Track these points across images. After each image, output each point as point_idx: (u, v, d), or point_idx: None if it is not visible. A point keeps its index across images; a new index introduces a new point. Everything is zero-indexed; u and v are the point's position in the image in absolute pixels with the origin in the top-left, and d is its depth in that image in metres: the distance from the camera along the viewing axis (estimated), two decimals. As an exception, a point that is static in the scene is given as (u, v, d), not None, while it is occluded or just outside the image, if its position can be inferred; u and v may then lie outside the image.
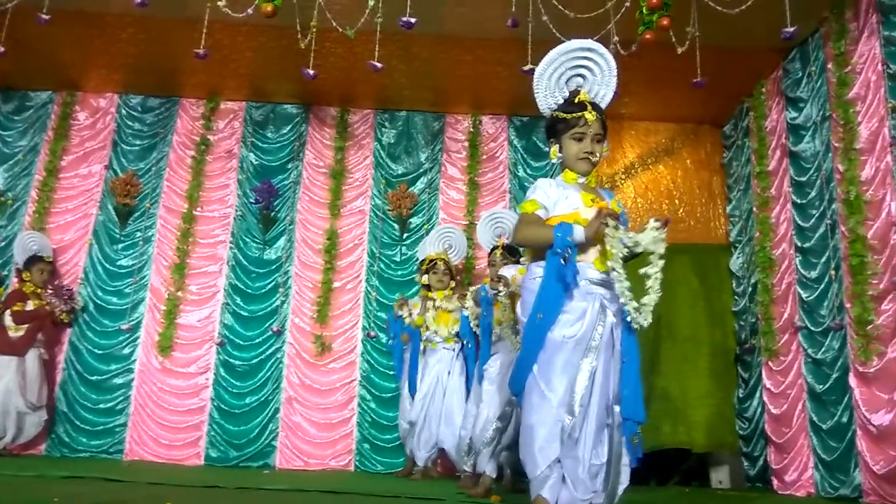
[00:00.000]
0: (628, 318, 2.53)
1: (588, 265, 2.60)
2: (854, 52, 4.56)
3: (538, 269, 2.64)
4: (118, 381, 5.74)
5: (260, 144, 6.43)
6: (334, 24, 4.46)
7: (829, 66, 4.81)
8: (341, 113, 6.49)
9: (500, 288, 4.02)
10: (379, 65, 4.45)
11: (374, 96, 6.40)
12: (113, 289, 5.94)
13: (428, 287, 5.33)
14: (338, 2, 4.59)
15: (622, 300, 2.53)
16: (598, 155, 2.69)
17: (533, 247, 2.76)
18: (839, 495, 4.39)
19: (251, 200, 6.17)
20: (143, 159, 6.27)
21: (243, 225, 6.21)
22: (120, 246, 6.06)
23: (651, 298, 2.53)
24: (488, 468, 3.93)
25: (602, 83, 2.79)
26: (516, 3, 4.39)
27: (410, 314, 5.30)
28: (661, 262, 2.55)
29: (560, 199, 2.66)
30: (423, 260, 5.49)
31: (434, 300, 4.99)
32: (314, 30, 4.54)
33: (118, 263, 6.01)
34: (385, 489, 3.96)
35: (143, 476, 4.00)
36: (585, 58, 2.77)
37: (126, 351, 5.82)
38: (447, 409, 4.72)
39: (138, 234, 6.10)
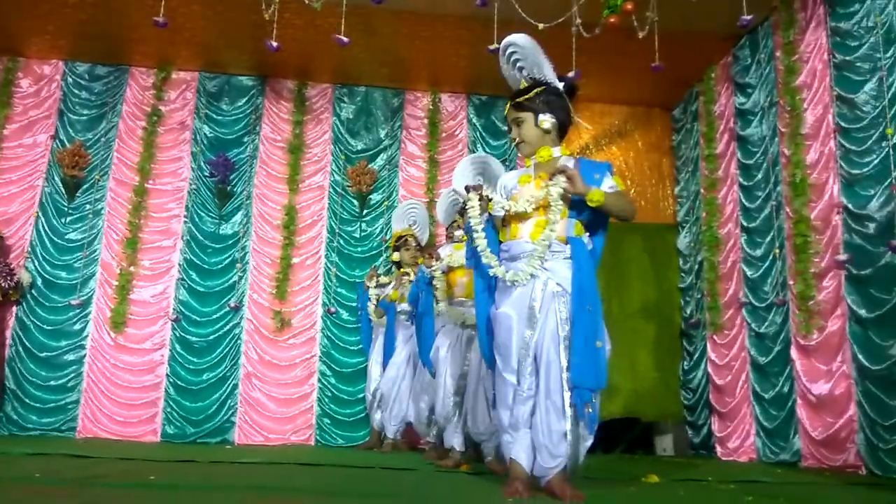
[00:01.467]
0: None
1: (525, 240, 2.70)
2: (802, 42, 4.79)
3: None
4: (69, 357, 5.60)
5: (214, 116, 6.29)
6: (301, -5, 4.39)
7: (778, 54, 5.03)
8: (299, 86, 6.41)
9: (435, 264, 4.07)
10: (345, 39, 4.42)
11: (333, 70, 6.34)
12: (62, 263, 5.75)
13: (399, 264, 5.36)
14: (301, -26, 4.52)
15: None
16: (522, 135, 2.85)
17: None
18: (779, 460, 4.70)
19: (206, 174, 6.05)
20: (92, 130, 6.05)
21: (198, 199, 6.09)
22: (68, 219, 5.86)
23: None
24: (455, 442, 3.94)
25: (533, 62, 2.93)
26: (481, -19, 4.42)
27: (380, 286, 5.37)
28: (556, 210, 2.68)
29: (510, 192, 2.88)
30: (392, 237, 5.53)
31: (408, 275, 5.02)
32: (277, 1, 4.48)
33: (67, 237, 5.82)
34: (358, 460, 4.03)
35: (108, 452, 3.94)
36: (512, 52, 2.97)
37: (77, 327, 5.66)
38: (419, 384, 4.79)
39: (87, 206, 5.91)
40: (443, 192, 5.33)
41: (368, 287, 5.48)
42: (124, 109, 6.14)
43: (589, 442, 2.63)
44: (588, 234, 2.79)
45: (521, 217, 2.75)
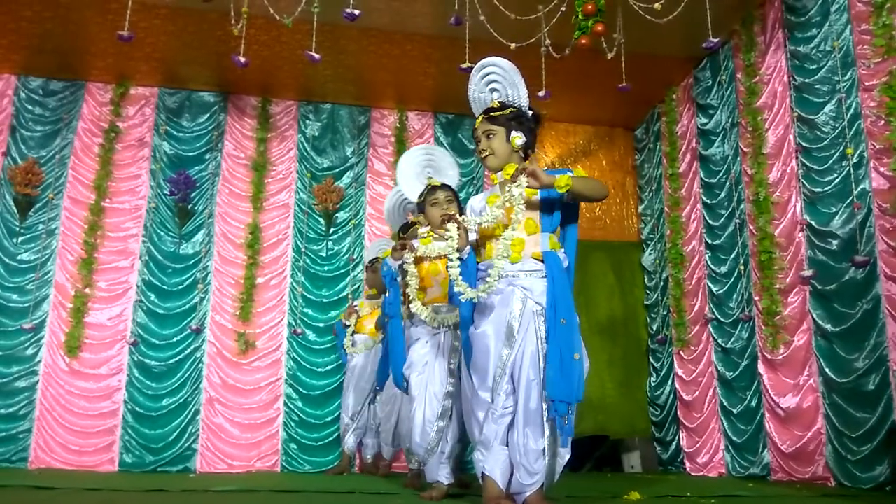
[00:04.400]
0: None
1: (501, 259, 2.67)
2: (762, 64, 4.94)
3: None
4: (21, 384, 5.33)
5: (175, 133, 6.13)
6: (271, 11, 4.34)
7: (739, 75, 5.18)
8: (262, 103, 6.30)
9: (407, 255, 3.31)
10: (317, 56, 4.36)
11: (298, 87, 6.26)
12: (13, 285, 5.50)
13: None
14: (268, -11, 4.46)
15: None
16: (491, 148, 2.84)
17: None
18: (749, 474, 4.76)
19: (166, 192, 5.88)
20: (46, 146, 5.82)
21: (157, 217, 5.91)
22: (20, 239, 5.61)
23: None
24: (441, 476, 3.30)
25: (509, 84, 2.95)
26: (452, 2, 4.43)
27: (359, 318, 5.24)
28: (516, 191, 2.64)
29: (476, 213, 2.85)
30: (371, 260, 5.38)
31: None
32: (246, 16, 4.40)
33: (18, 258, 5.57)
34: (336, 485, 3.90)
35: (67, 482, 3.74)
36: (491, 73, 2.98)
37: (29, 352, 5.40)
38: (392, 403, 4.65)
39: (41, 226, 5.67)
40: (389, 193, 4.80)
41: (347, 325, 5.31)
42: (80, 126, 5.94)
43: (565, 459, 2.63)
44: (562, 238, 2.80)
45: (494, 236, 2.73)
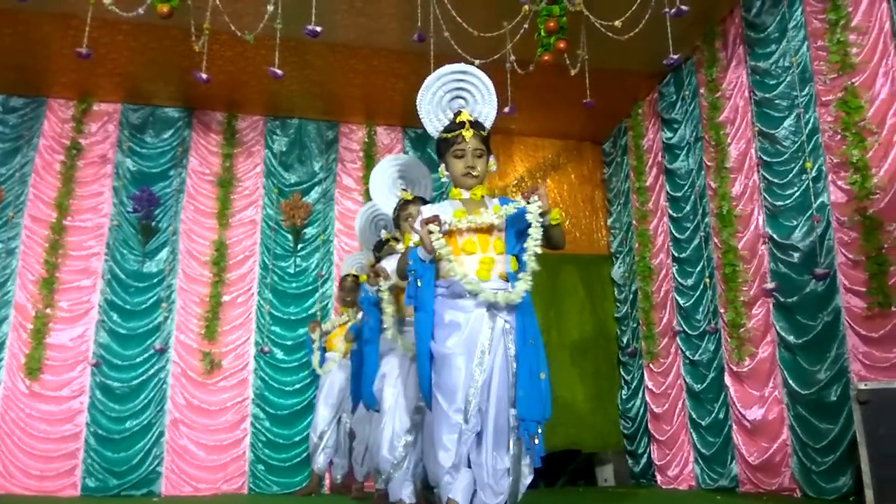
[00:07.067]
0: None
1: (470, 276, 2.65)
2: (724, 79, 5.00)
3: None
4: (-22, 408, 5.19)
5: (138, 149, 6.04)
6: (233, 27, 4.29)
7: (702, 91, 5.24)
8: (228, 118, 6.24)
9: (381, 283, 3.41)
10: (280, 72, 4.32)
11: (264, 103, 6.21)
12: (-30, 306, 5.36)
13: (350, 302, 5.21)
14: (230, 5, 4.42)
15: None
16: (479, 169, 2.80)
17: (403, 275, 2.92)
18: (718, 486, 4.77)
19: (129, 209, 5.77)
20: (5, 164, 5.69)
21: (120, 235, 5.81)
22: (-23, 259, 5.48)
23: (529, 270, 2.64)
24: (404, 494, 3.30)
25: (483, 102, 2.94)
26: (416, 18, 4.43)
27: (326, 334, 5.18)
28: (537, 234, 2.64)
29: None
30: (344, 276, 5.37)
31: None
32: (207, 32, 4.36)
33: (-24, 278, 5.44)
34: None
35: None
36: (462, 80, 2.93)
37: (-13, 375, 5.26)
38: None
39: (0, 245, 5.53)
40: (359, 211, 4.86)
41: (314, 340, 5.26)
42: (41, 143, 5.82)
43: (529, 479, 2.62)
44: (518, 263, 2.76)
45: (466, 250, 2.70)
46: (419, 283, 2.70)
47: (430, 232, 2.62)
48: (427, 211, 2.81)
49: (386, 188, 3.90)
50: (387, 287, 3.40)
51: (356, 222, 4.56)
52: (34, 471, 5.12)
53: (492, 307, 2.63)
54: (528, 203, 2.64)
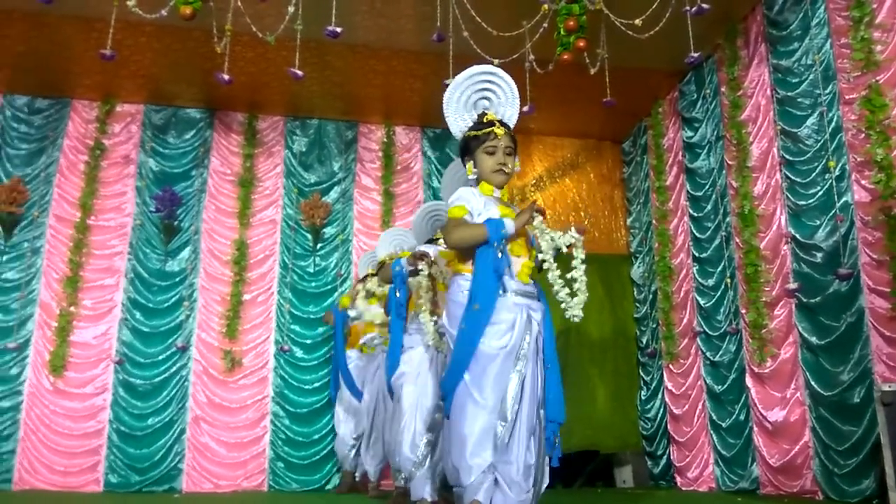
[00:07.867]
0: (567, 314, 2.65)
1: (514, 278, 2.67)
2: (745, 78, 4.96)
3: (464, 281, 2.72)
4: (5, 404, 5.26)
5: (161, 150, 6.12)
6: (254, 28, 4.33)
7: (723, 89, 5.19)
8: (249, 119, 6.30)
9: (422, 266, 3.39)
10: (300, 73, 4.36)
11: (284, 103, 6.26)
12: (-3, 304, 5.46)
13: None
14: (252, 6, 4.46)
15: (555, 288, 2.65)
16: (509, 167, 2.80)
17: (469, 245, 2.73)
18: (739, 488, 4.73)
19: (151, 209, 5.85)
20: (31, 164, 5.80)
21: (143, 235, 5.89)
22: (5, 258, 5.57)
23: (580, 299, 2.67)
24: (426, 493, 3.25)
25: (506, 104, 2.93)
26: (435, 18, 4.44)
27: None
28: (583, 266, 2.69)
29: (483, 210, 2.74)
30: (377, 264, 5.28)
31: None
32: (229, 33, 4.40)
33: (3, 276, 5.52)
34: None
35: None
36: (488, 81, 2.92)
37: (14, 371, 5.34)
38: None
39: (25, 244, 5.63)
40: (419, 208, 4.53)
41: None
42: (66, 143, 5.92)
43: (547, 480, 2.65)
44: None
45: (514, 252, 2.69)
46: (500, 254, 2.60)
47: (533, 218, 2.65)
48: (471, 194, 2.71)
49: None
50: (426, 272, 3.33)
51: (414, 216, 4.35)
52: (58, 466, 5.21)
53: (529, 310, 2.65)
54: (541, 222, 2.66)
